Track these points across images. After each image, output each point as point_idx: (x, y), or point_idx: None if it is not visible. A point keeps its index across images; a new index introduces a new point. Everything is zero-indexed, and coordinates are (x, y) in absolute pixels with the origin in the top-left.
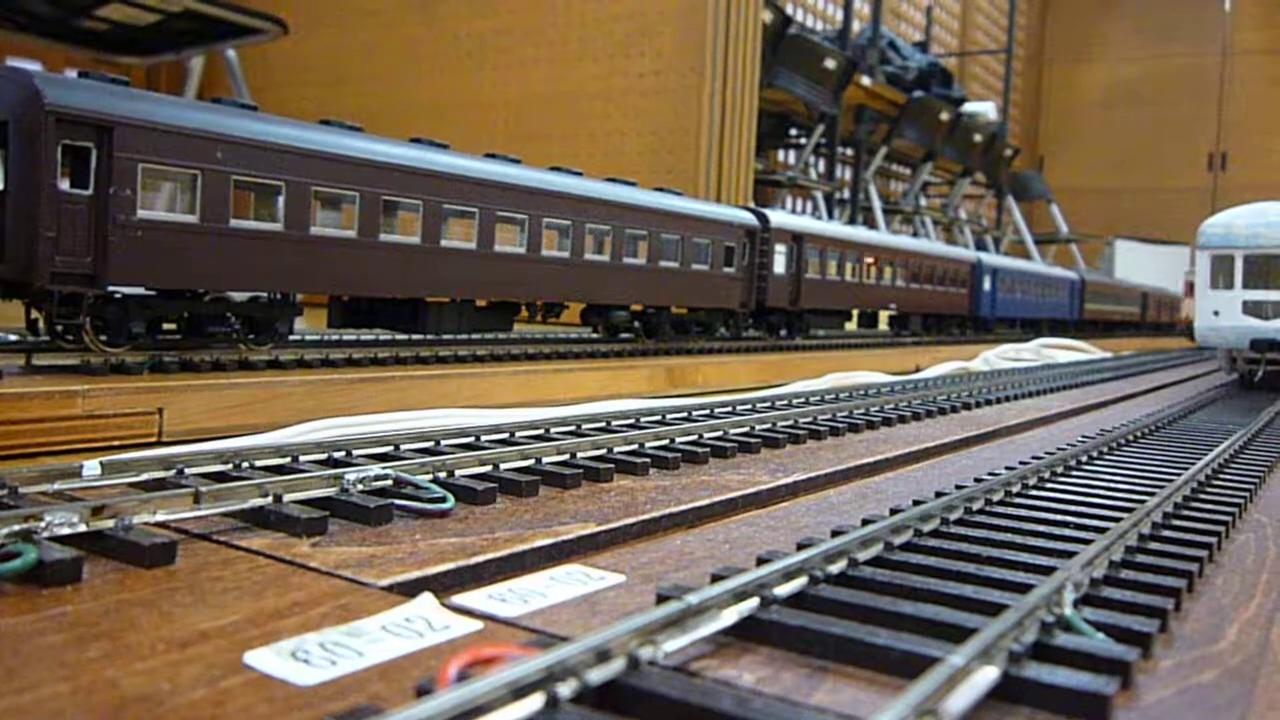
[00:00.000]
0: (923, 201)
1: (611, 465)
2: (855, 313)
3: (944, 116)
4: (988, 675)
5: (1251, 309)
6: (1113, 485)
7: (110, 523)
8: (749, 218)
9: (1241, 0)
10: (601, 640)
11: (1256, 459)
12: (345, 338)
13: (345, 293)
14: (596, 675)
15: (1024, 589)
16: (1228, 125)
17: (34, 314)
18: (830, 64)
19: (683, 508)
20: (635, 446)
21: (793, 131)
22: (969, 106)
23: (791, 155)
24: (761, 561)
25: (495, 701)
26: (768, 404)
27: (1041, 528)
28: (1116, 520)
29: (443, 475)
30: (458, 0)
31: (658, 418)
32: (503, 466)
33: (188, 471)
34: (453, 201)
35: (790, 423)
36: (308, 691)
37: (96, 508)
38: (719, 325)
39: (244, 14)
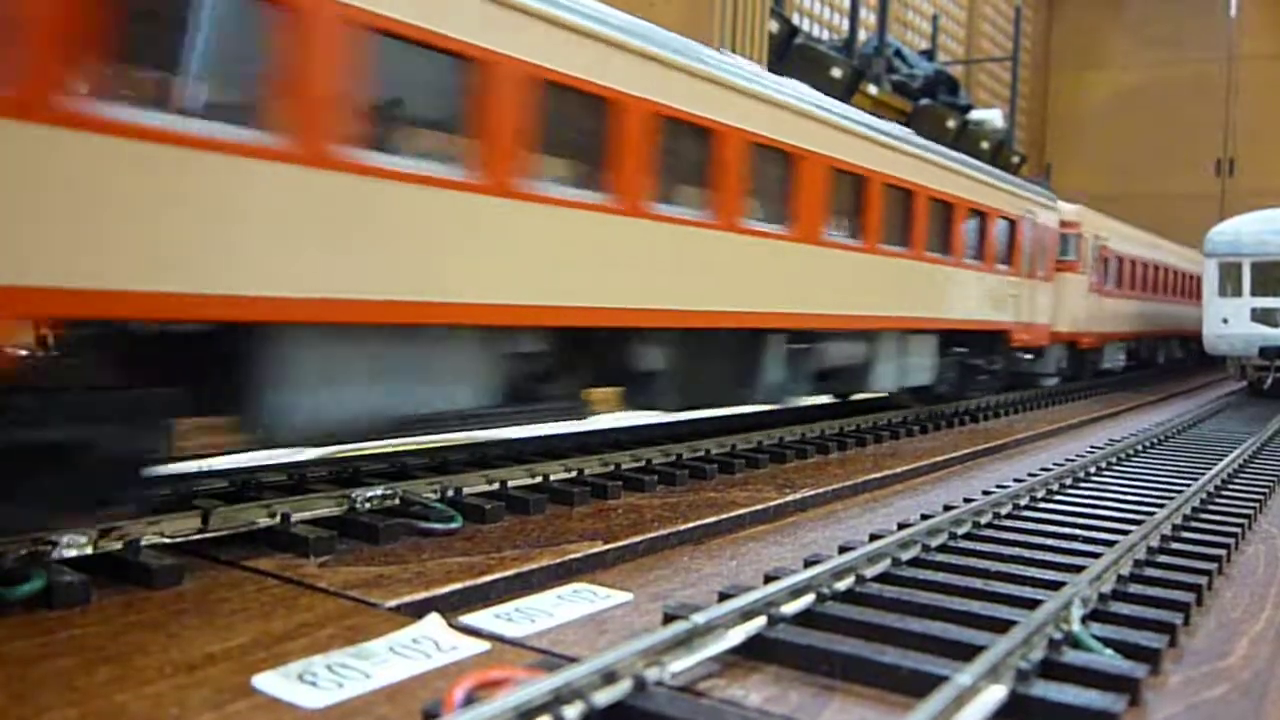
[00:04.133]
0: None
1: (619, 482)
2: None
3: (951, 124)
4: (995, 694)
5: (1260, 316)
6: (1121, 497)
7: (118, 545)
8: None
9: (1248, 6)
10: (608, 662)
11: (1266, 468)
12: None
13: None
14: (603, 697)
15: (1032, 605)
16: (1235, 131)
17: None
18: (837, 73)
19: (690, 525)
20: (642, 463)
21: None
22: (976, 114)
23: None
24: (769, 579)
25: None
26: (774, 418)
27: (1050, 541)
28: (1125, 533)
29: (450, 494)
30: None
31: (664, 433)
32: (510, 484)
33: (196, 490)
34: None
35: (797, 437)
36: (315, 715)
37: (105, 529)
38: None
39: None
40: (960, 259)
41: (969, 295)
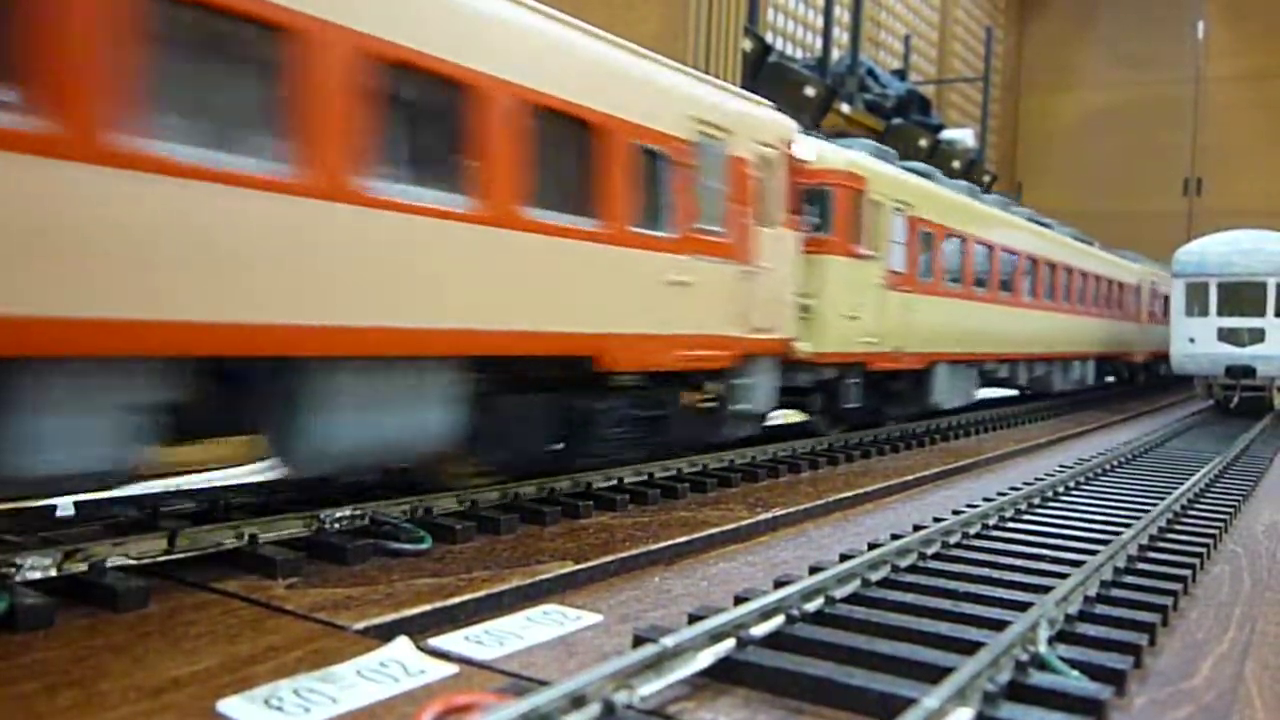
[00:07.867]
0: None
1: (591, 502)
2: None
3: (923, 143)
4: (963, 716)
5: (1226, 336)
6: (1089, 516)
7: (84, 566)
8: None
9: (1215, 28)
10: (576, 686)
11: (1232, 488)
12: None
13: None
14: None
15: (1000, 626)
16: (1202, 151)
17: None
18: (810, 91)
19: (661, 545)
20: (614, 482)
21: None
22: (947, 133)
23: None
24: (739, 600)
25: None
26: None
27: (1018, 561)
28: (1092, 553)
29: (420, 513)
30: None
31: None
32: (481, 503)
33: (163, 511)
34: None
35: (769, 456)
36: None
37: (70, 551)
38: None
39: None
40: (1107, 312)
41: (1114, 334)
